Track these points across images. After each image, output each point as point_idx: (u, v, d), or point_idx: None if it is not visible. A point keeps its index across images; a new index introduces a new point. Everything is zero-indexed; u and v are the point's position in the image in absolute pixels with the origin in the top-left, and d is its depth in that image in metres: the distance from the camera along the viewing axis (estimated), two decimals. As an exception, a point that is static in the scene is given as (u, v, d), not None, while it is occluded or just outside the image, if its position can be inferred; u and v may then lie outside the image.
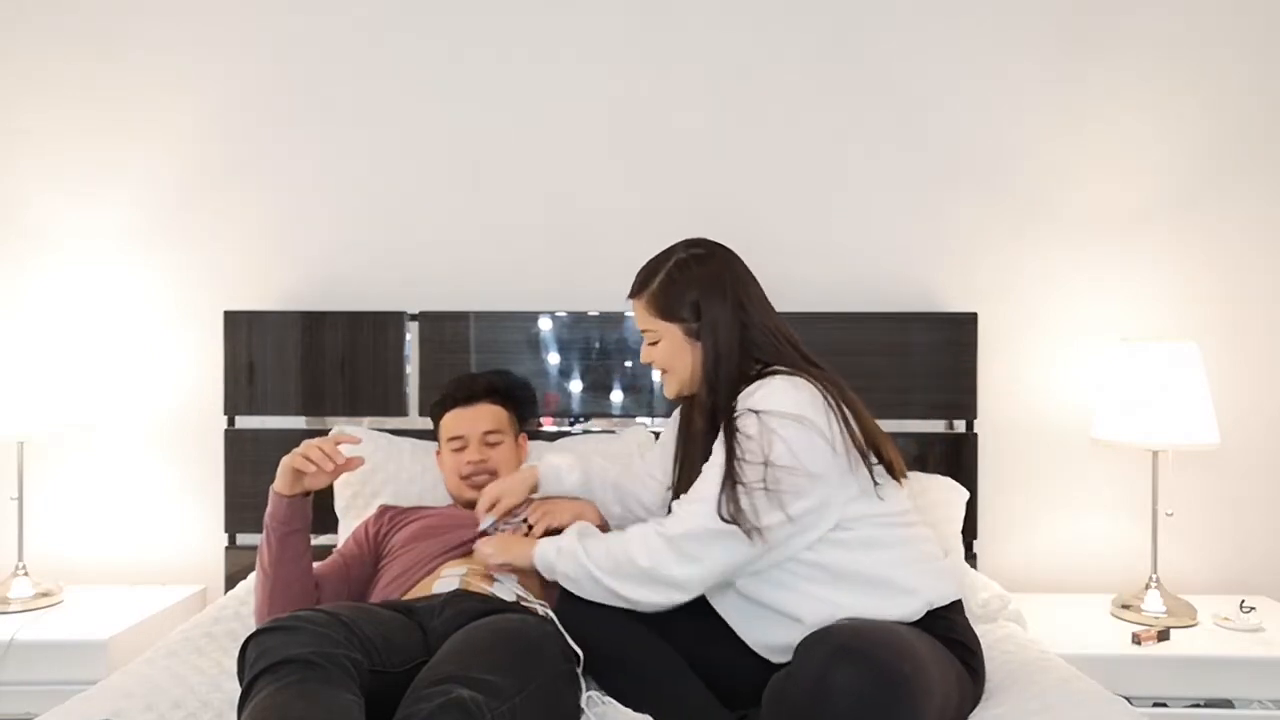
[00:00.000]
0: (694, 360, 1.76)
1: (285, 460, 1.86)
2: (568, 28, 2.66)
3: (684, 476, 1.81)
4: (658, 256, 1.82)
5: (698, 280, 1.76)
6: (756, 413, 1.63)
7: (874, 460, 1.67)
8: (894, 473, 1.70)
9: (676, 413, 1.94)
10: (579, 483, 2.00)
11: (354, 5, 2.66)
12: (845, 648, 1.42)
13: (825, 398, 1.66)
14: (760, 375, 1.72)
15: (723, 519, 1.60)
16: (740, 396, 1.68)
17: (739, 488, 1.60)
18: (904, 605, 1.62)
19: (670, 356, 1.79)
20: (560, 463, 2.01)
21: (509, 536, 1.87)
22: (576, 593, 1.70)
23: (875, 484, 1.66)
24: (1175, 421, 2.34)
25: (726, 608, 1.74)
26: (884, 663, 1.40)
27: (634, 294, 1.82)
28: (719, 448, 1.67)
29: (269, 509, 1.89)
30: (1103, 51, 2.63)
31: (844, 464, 1.64)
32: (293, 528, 1.88)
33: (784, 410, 1.63)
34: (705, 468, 1.68)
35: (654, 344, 1.80)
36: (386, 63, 2.66)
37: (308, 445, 1.85)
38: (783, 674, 1.50)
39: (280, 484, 1.87)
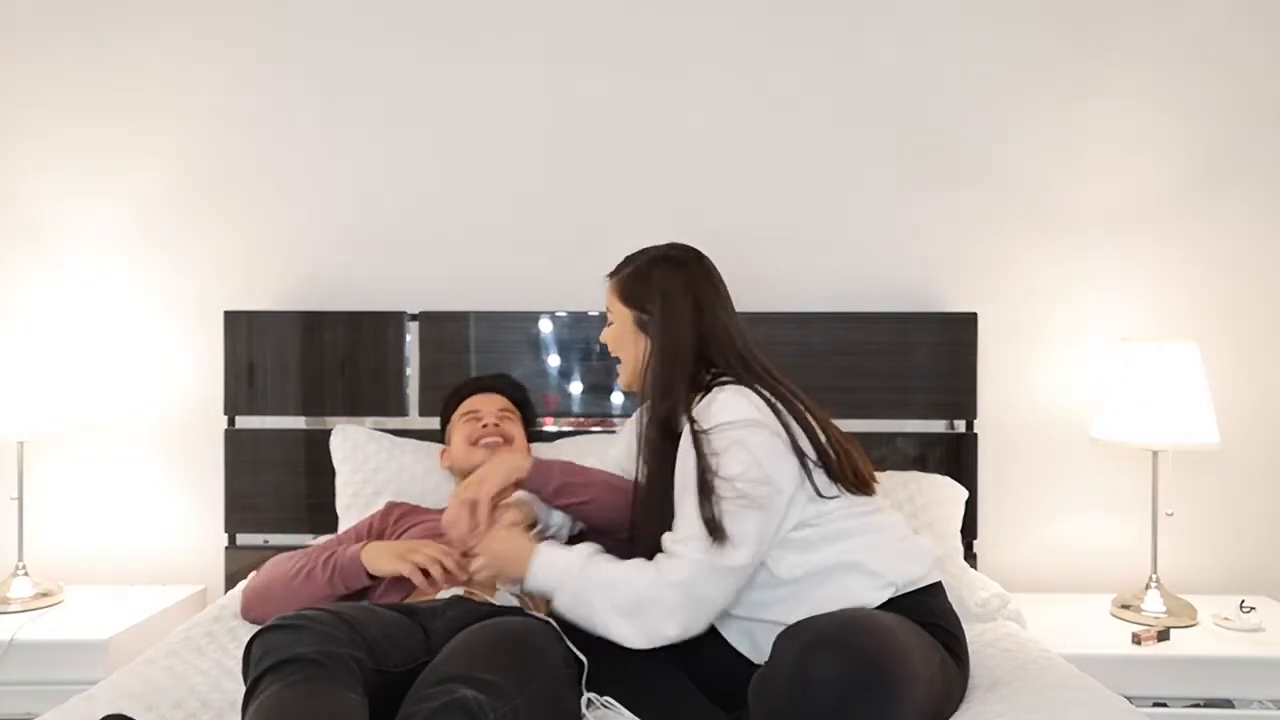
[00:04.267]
0: (638, 352, 1.82)
1: (400, 557, 1.89)
2: (569, 28, 2.66)
3: (649, 485, 1.79)
4: (642, 249, 1.89)
5: (666, 279, 1.81)
6: (711, 428, 1.65)
7: (818, 463, 1.69)
8: (845, 480, 1.70)
9: (636, 413, 1.92)
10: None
11: (355, 6, 2.66)
12: (822, 637, 1.42)
13: (770, 405, 1.69)
14: (710, 385, 1.74)
15: (712, 538, 1.60)
16: (695, 410, 1.70)
17: (717, 503, 1.61)
18: (871, 588, 1.64)
19: (618, 340, 1.86)
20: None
21: (504, 542, 1.74)
22: (566, 615, 1.68)
23: (817, 491, 1.67)
24: (1175, 421, 2.34)
25: (724, 628, 1.74)
26: (863, 650, 1.40)
27: (611, 274, 1.89)
28: (688, 469, 1.66)
29: (346, 566, 1.93)
30: (1103, 52, 2.63)
31: (795, 465, 1.67)
32: (351, 593, 1.94)
33: (745, 418, 1.66)
34: (679, 496, 1.67)
35: (610, 324, 1.87)
36: (387, 63, 2.66)
37: (430, 560, 1.86)
38: (765, 668, 1.50)
39: (376, 565, 1.92)
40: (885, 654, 1.42)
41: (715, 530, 1.60)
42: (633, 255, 1.88)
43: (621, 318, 1.84)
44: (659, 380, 1.76)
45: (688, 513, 1.64)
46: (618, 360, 1.89)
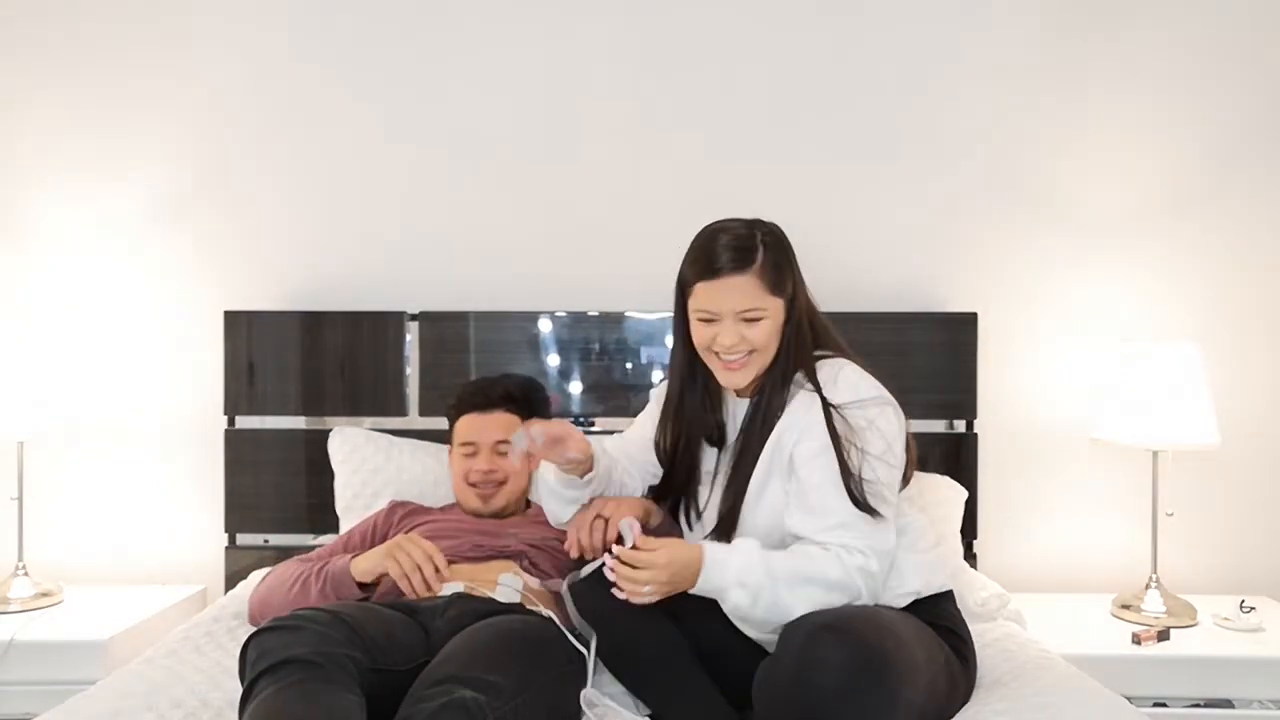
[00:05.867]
0: (780, 340, 1.70)
1: (387, 553, 1.88)
2: (569, 27, 2.65)
3: (749, 454, 1.72)
4: (733, 229, 1.69)
5: (789, 256, 1.73)
6: (844, 404, 1.65)
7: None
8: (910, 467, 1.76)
9: (659, 394, 1.88)
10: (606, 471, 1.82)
11: (355, 6, 2.66)
12: (826, 627, 1.44)
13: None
14: (815, 357, 1.72)
15: (868, 521, 1.59)
16: (821, 382, 1.67)
17: (860, 484, 1.60)
18: (896, 592, 1.66)
19: (770, 336, 1.68)
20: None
21: (668, 552, 1.55)
22: (743, 613, 1.57)
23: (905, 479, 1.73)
24: (1175, 421, 2.34)
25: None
26: (865, 639, 1.42)
27: (740, 268, 1.65)
28: (825, 446, 1.62)
29: (337, 576, 1.91)
30: (1104, 52, 2.63)
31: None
32: (340, 599, 1.90)
33: (876, 395, 1.67)
34: (820, 480, 1.61)
35: (755, 321, 1.66)
36: (386, 63, 2.66)
37: (411, 566, 1.85)
38: (769, 658, 1.52)
39: (365, 569, 1.90)
40: (887, 643, 1.44)
41: (870, 512, 1.59)
42: (739, 238, 1.67)
43: (774, 309, 1.67)
44: (792, 356, 1.70)
45: (837, 496, 1.59)
46: (747, 353, 1.68)
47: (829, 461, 1.61)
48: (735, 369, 1.69)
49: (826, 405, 1.64)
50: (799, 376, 1.70)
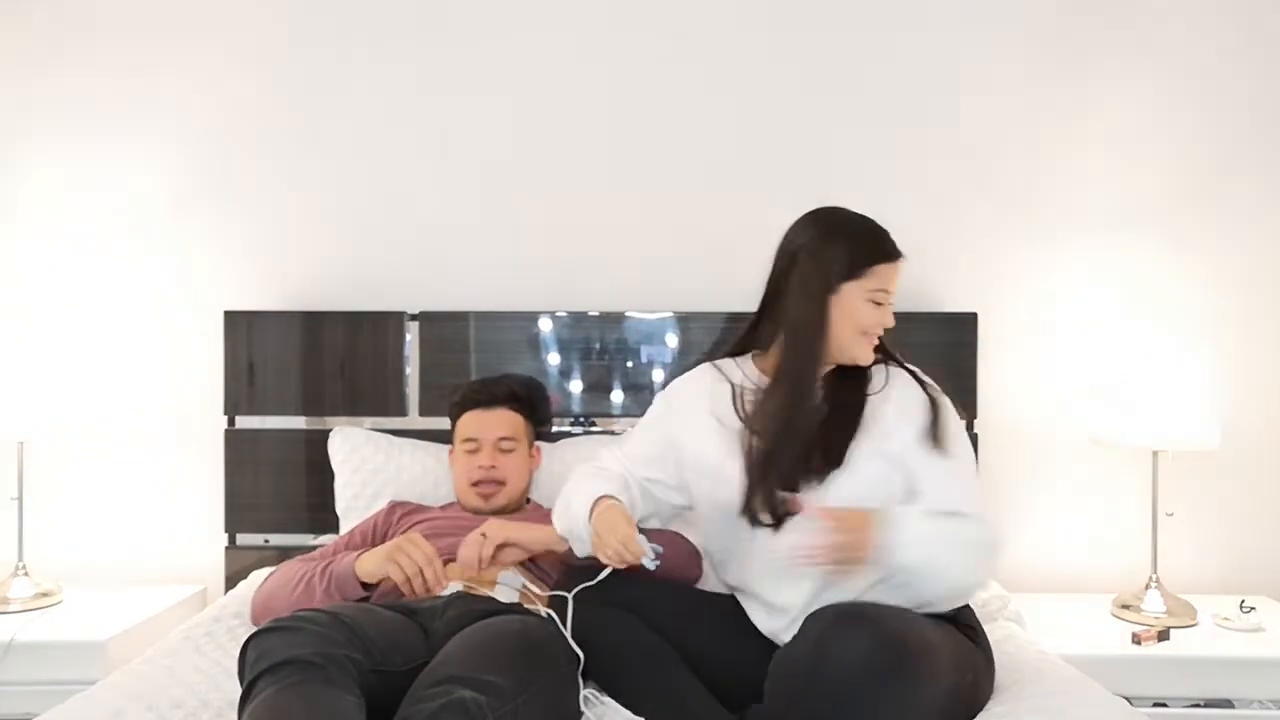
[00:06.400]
0: None
1: (388, 557, 1.88)
2: (567, 26, 2.65)
3: (834, 446, 1.69)
4: (869, 218, 1.79)
5: None
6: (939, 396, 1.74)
7: None
8: None
9: (664, 400, 1.88)
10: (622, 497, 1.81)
11: (356, 7, 2.66)
12: (849, 614, 1.44)
13: None
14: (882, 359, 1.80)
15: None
16: (921, 375, 1.78)
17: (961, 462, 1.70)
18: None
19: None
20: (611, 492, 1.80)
21: (844, 527, 1.51)
22: (909, 570, 1.55)
23: None
24: (1175, 422, 2.34)
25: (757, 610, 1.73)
26: (888, 629, 1.41)
27: (899, 254, 1.77)
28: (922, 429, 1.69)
29: (341, 576, 1.90)
30: (1104, 51, 2.63)
31: None
32: (344, 599, 1.89)
33: (948, 400, 1.77)
34: (926, 453, 1.67)
35: (891, 305, 1.79)
36: (386, 63, 2.66)
37: (414, 570, 1.85)
38: (783, 649, 1.52)
39: (369, 570, 1.90)
40: (910, 636, 1.42)
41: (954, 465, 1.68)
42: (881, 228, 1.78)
43: None
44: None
45: (963, 483, 1.68)
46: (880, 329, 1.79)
47: (955, 445, 1.70)
48: (875, 344, 1.79)
49: (920, 380, 1.75)
50: (880, 366, 1.79)
